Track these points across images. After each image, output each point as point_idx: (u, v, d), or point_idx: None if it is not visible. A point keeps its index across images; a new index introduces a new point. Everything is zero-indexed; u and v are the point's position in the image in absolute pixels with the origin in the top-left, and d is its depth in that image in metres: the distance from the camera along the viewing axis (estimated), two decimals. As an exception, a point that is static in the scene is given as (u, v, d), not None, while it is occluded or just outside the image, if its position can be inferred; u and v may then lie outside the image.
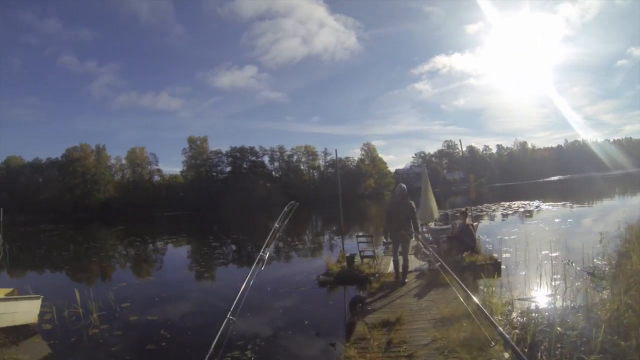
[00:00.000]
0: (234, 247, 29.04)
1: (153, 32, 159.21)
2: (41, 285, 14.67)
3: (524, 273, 11.58)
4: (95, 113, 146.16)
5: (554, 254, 12.40)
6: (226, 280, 16.18)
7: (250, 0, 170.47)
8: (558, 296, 7.86)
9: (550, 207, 34.40)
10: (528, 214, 30.83)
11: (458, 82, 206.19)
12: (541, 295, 9.02)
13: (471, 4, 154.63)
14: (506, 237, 17.55)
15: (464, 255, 11.66)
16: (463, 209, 14.63)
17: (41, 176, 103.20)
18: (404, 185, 11.01)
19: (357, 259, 13.05)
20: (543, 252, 13.25)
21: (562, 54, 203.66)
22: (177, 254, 27.59)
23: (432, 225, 15.78)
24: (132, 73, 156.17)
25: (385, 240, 15.02)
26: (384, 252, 14.99)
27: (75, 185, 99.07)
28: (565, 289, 8.05)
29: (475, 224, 13.07)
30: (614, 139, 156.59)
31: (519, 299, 8.32)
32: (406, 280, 10.45)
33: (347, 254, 13.29)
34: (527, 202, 40.82)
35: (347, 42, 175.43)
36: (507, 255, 14.05)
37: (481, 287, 9.52)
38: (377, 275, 11.40)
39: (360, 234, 14.92)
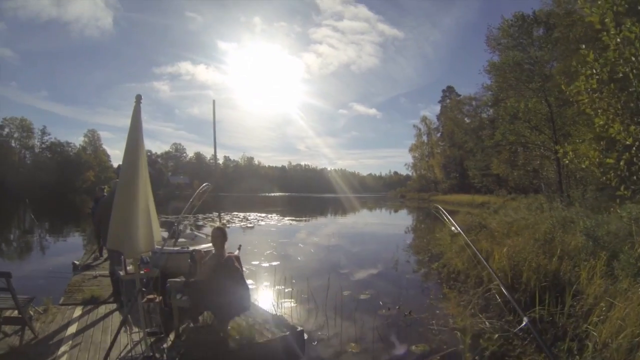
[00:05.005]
0: None
1: None
2: None
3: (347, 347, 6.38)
4: None
5: (364, 296, 9.47)
6: None
7: None
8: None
9: (294, 222, 31.37)
10: (275, 229, 26.52)
11: (197, 91, 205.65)
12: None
13: (230, 22, 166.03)
14: (266, 264, 12.77)
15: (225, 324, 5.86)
16: (218, 224, 8.33)
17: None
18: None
19: None
20: (345, 293, 9.33)
21: (298, 91, 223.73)
22: None
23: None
24: None
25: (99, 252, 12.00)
26: (61, 299, 8.10)
27: None
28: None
29: (237, 252, 6.66)
30: (331, 169, 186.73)
31: None
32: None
33: None
34: (264, 214, 37.12)
35: (103, 21, 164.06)
36: (290, 302, 8.71)
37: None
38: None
39: None
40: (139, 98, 5.07)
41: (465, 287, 9.28)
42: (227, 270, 5.68)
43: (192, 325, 5.91)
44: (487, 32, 31.02)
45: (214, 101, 9.63)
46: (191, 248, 8.70)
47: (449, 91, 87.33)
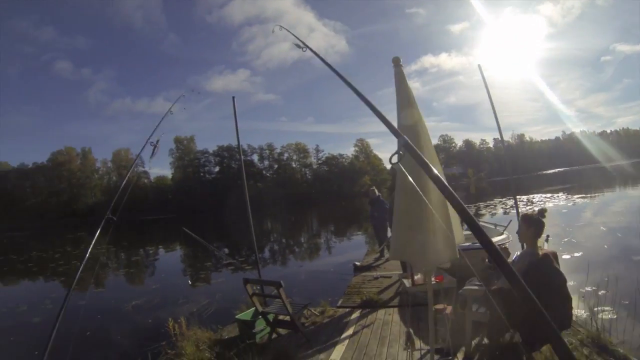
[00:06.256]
0: (226, 250, 23.45)
1: (147, 40, 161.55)
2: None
3: None
4: (90, 118, 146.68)
5: None
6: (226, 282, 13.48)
7: (239, 7, 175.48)
8: None
9: (584, 200, 26.83)
10: (566, 210, 22.63)
11: (448, 79, 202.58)
12: None
13: (453, 5, 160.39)
14: (566, 256, 10.50)
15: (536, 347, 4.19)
16: (529, 211, 5.82)
17: (28, 181, 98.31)
18: None
19: (261, 329, 6.09)
20: None
21: (547, 50, 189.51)
22: (168, 260, 22.75)
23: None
24: (127, 79, 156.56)
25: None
26: (339, 301, 7.73)
27: (62, 190, 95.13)
28: None
29: (545, 246, 4.89)
30: (610, 131, 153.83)
31: None
32: None
33: (248, 313, 6.35)
34: (549, 195, 32.60)
35: (338, 46, 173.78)
36: (609, 313, 6.01)
37: None
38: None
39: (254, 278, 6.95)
40: (397, 61, 3.87)
41: None
42: (545, 275, 4.03)
43: (487, 342, 4.54)
44: None
45: (479, 65, 7.85)
46: (494, 240, 7.31)
47: None
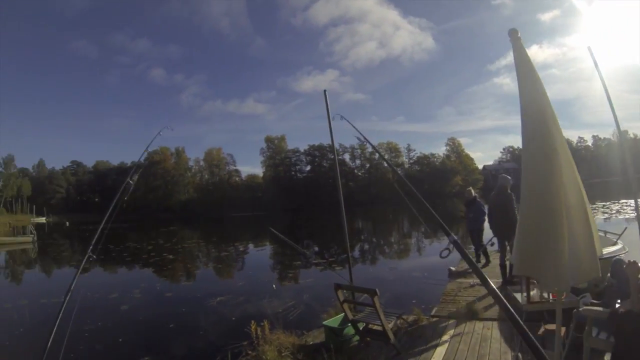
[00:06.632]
0: (316, 248, 23.98)
1: (235, 45, 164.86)
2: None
3: None
4: (183, 120, 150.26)
5: None
6: (314, 282, 13.06)
7: (322, 9, 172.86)
8: None
9: None
10: None
11: (540, 73, 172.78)
12: None
13: None
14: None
15: None
16: None
17: (127, 179, 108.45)
18: (506, 176, 8.28)
19: (350, 337, 5.89)
20: None
21: None
22: (257, 256, 23.53)
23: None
24: (217, 83, 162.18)
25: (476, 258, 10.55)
26: (434, 310, 7.21)
27: (157, 186, 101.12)
28: None
29: None
30: None
31: None
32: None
33: (337, 320, 6.09)
34: None
35: (425, 43, 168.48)
36: None
37: None
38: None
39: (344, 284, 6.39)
40: (514, 34, 3.20)
41: None
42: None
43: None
44: None
45: (589, 48, 6.69)
46: (604, 251, 6.26)
47: None
